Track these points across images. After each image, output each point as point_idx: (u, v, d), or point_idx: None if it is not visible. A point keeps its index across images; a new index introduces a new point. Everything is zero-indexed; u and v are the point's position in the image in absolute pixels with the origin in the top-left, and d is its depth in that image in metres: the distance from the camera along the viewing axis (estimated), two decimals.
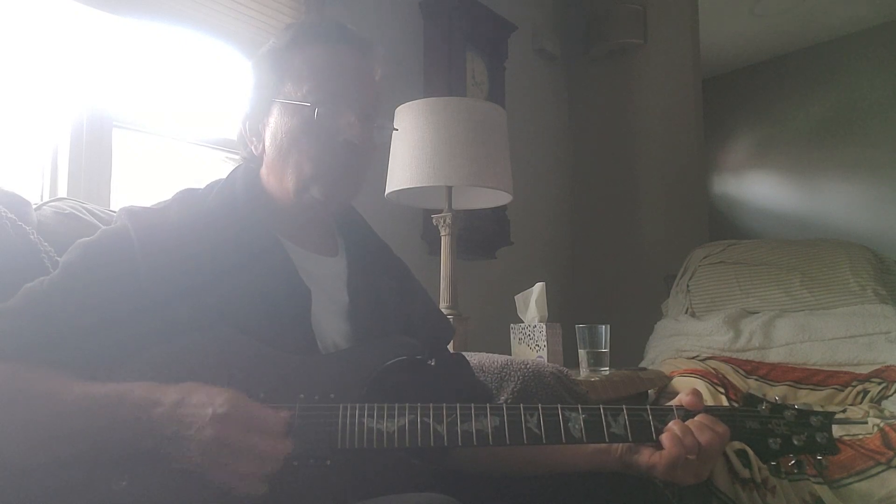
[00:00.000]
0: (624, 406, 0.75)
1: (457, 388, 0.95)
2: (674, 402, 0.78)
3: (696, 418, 0.75)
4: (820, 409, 0.79)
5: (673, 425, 0.74)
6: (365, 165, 0.90)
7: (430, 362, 0.80)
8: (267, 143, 0.89)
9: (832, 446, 0.76)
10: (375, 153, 0.93)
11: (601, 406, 0.74)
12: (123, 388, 0.67)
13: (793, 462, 0.77)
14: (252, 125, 0.91)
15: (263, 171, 0.91)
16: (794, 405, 0.79)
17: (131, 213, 0.81)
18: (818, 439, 0.76)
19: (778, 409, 0.78)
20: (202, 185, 0.92)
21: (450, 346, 1.19)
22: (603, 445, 0.80)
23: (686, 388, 1.18)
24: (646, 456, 0.76)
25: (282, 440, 0.64)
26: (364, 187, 0.92)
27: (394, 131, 0.96)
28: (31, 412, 0.66)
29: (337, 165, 0.86)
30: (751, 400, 0.79)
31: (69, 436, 0.66)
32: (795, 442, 0.76)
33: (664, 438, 0.74)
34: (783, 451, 0.76)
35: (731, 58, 4.05)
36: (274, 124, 0.87)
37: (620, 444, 0.79)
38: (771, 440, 0.76)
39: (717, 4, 3.29)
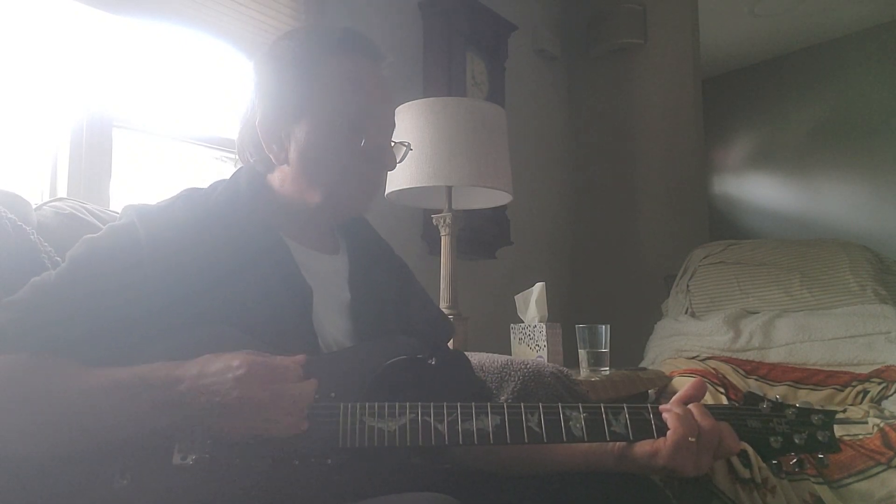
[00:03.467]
0: (625, 405, 0.75)
1: (456, 386, 0.95)
2: (677, 396, 0.78)
3: (693, 403, 0.76)
4: (821, 408, 0.79)
5: (673, 406, 0.75)
6: (385, 179, 0.95)
7: (430, 361, 0.81)
8: (291, 154, 0.87)
9: (834, 445, 0.76)
10: None
11: (602, 405, 0.74)
12: (142, 370, 0.68)
13: (794, 461, 0.77)
14: (272, 131, 0.87)
15: (276, 176, 0.90)
16: (795, 404, 0.78)
17: (138, 209, 0.81)
18: (819, 438, 0.76)
19: (779, 407, 0.78)
20: (204, 185, 0.92)
21: (450, 345, 1.19)
22: (599, 443, 0.80)
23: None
24: (647, 445, 0.75)
25: (304, 380, 0.69)
26: None
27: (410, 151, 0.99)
28: (52, 396, 0.67)
29: (368, 185, 0.90)
30: (752, 398, 0.79)
31: (88, 418, 0.66)
32: (797, 440, 0.76)
33: (668, 417, 0.74)
34: (784, 450, 0.76)
35: (731, 58, 4.05)
36: (303, 137, 0.86)
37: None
38: (772, 439, 0.76)
39: (717, 4, 3.29)
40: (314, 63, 0.86)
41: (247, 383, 0.65)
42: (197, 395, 0.65)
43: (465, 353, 1.11)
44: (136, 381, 0.67)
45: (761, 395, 0.79)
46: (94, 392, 0.67)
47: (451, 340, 1.08)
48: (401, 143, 0.95)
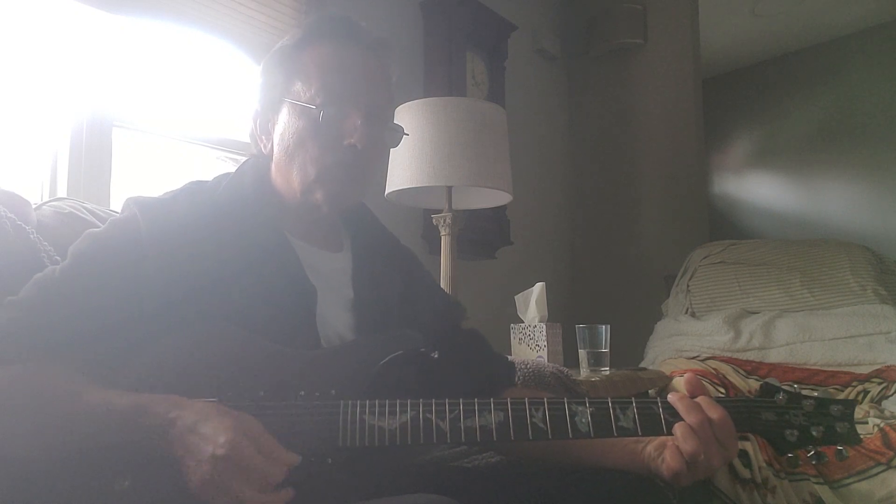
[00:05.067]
0: (633, 399, 0.72)
1: (471, 367, 0.94)
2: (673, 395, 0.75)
3: (699, 398, 0.73)
4: (840, 398, 0.75)
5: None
6: (370, 168, 0.90)
7: (433, 355, 0.80)
8: (275, 143, 0.89)
9: (854, 436, 0.72)
10: (383, 155, 0.93)
11: (609, 399, 0.72)
12: (142, 400, 0.65)
13: (812, 453, 0.73)
14: (262, 123, 0.91)
15: (272, 168, 0.91)
16: (813, 394, 0.74)
17: (139, 202, 0.81)
18: (838, 429, 0.72)
19: (795, 398, 0.73)
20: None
21: None
22: (637, 447, 0.77)
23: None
24: (675, 463, 0.72)
25: (271, 495, 0.62)
26: (370, 188, 0.93)
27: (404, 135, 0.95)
28: (47, 415, 0.66)
29: (340, 169, 0.86)
30: (768, 389, 0.75)
31: (82, 441, 0.66)
32: (814, 433, 0.72)
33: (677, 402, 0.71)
34: (801, 444, 0.72)
35: (731, 58, 4.05)
36: (282, 124, 0.87)
37: (648, 447, 0.76)
38: (788, 432, 0.72)
39: (717, 4, 3.29)
40: (296, 51, 0.88)
41: (219, 467, 0.60)
42: (178, 446, 0.62)
43: None
44: (131, 413, 0.65)
45: (778, 385, 0.75)
46: (90, 418, 0.66)
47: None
48: (392, 125, 0.91)
